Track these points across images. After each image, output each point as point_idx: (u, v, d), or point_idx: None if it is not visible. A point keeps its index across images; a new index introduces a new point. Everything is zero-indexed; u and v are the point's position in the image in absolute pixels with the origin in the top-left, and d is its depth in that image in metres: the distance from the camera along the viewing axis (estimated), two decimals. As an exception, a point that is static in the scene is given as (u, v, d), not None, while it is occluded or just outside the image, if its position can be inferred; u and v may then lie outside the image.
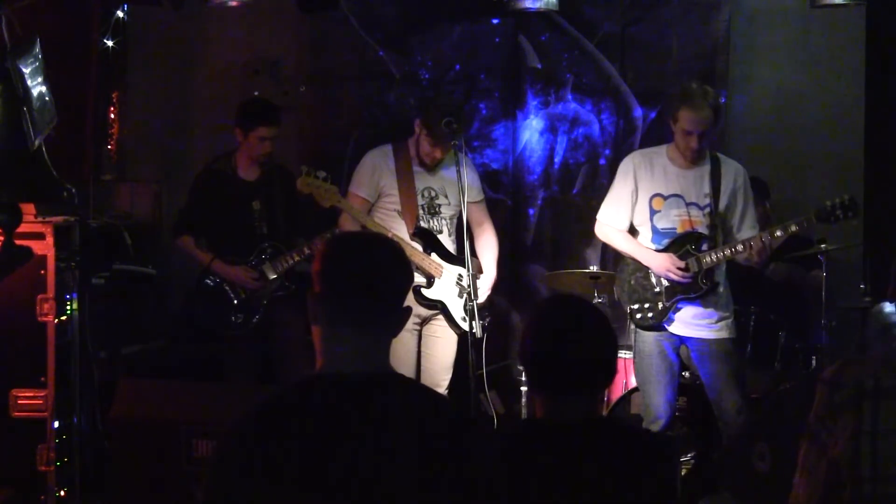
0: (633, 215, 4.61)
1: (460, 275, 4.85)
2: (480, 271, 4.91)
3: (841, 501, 2.48)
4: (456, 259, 4.88)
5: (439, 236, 4.89)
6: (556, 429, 2.33)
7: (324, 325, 1.99)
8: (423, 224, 4.84)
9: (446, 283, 4.84)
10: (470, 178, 4.88)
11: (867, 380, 2.48)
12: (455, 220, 4.95)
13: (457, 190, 4.85)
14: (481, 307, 4.76)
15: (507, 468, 2.03)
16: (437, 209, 4.90)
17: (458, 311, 4.84)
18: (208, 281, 5.05)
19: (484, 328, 4.72)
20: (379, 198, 4.87)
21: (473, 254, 4.84)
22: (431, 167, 4.88)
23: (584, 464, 2.28)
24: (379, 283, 1.98)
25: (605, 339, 2.37)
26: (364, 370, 1.95)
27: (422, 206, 4.86)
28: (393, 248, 2.06)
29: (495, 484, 1.92)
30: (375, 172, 4.87)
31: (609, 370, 2.40)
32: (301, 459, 1.84)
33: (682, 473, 5.01)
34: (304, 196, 4.70)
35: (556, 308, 2.47)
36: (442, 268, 4.83)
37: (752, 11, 6.37)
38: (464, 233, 4.62)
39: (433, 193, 4.90)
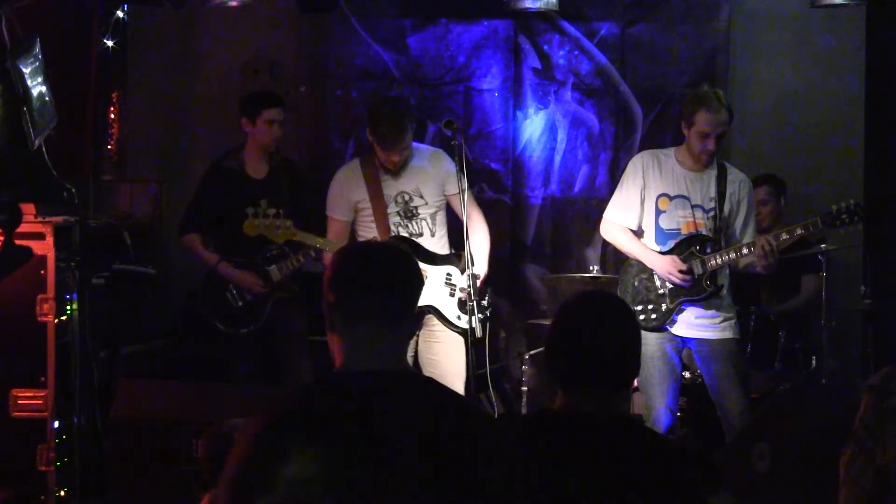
0: (642, 215, 4.61)
1: (449, 273, 4.80)
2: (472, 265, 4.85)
3: None
4: (442, 258, 4.83)
5: (420, 239, 4.80)
6: (578, 420, 2.33)
7: (340, 331, 2.03)
8: (401, 231, 4.78)
9: (434, 286, 4.76)
10: (447, 168, 4.82)
11: None
12: (438, 217, 4.87)
13: (432, 186, 4.80)
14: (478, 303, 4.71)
15: (523, 454, 2.04)
16: (414, 212, 4.82)
17: (451, 311, 4.76)
18: (214, 282, 5.04)
19: (484, 323, 4.67)
20: (357, 213, 4.83)
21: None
22: (396, 172, 4.81)
23: (601, 458, 2.27)
24: (391, 284, 2.03)
25: (628, 335, 2.40)
26: (383, 368, 1.99)
27: (397, 212, 4.79)
28: (399, 252, 2.13)
29: (513, 477, 1.92)
30: (344, 190, 4.82)
31: (631, 364, 2.41)
32: (330, 461, 1.83)
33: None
34: (256, 232, 4.52)
35: (582, 303, 2.49)
36: (426, 272, 4.75)
37: (752, 11, 6.38)
38: (464, 232, 4.60)
39: (406, 197, 4.82)
